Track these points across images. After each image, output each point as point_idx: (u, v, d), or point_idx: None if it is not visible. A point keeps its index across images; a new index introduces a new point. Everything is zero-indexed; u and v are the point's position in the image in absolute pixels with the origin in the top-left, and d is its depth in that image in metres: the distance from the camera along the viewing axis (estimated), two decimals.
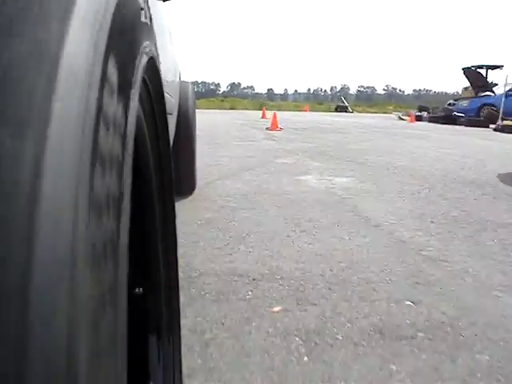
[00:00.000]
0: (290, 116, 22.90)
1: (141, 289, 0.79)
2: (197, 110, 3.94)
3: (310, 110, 36.87)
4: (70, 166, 0.30)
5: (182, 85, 3.49)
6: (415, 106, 35.01)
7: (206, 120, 14.04)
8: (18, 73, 0.30)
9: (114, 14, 0.39)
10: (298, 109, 39.69)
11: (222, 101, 43.15)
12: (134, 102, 0.45)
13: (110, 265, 0.34)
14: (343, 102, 40.95)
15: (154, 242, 0.81)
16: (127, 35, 0.45)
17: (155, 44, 0.70)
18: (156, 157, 0.77)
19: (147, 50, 0.57)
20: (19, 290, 0.26)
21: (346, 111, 36.50)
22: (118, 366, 0.36)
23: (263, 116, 19.20)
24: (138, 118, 0.61)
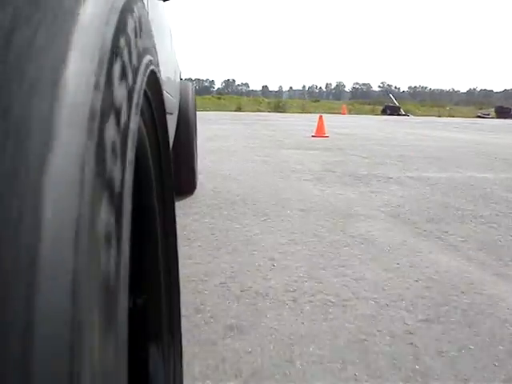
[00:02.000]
0: (361, 130, 12.49)
1: (141, 298, 0.79)
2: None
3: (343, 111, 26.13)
4: (72, 188, 0.29)
5: (183, 84, 3.51)
6: (408, 102, 33.16)
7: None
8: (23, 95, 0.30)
9: (116, 31, 0.39)
10: (328, 110, 28.01)
11: (219, 98, 33.41)
12: (136, 114, 0.45)
13: (113, 272, 0.34)
14: (393, 102, 29.48)
15: (154, 244, 0.80)
16: (129, 52, 0.44)
17: (157, 58, 0.69)
18: (156, 157, 0.76)
19: (149, 64, 0.57)
20: (25, 294, 0.26)
21: (398, 114, 25.98)
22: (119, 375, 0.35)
23: (319, 132, 9.48)
24: (140, 129, 0.61)
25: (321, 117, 10.03)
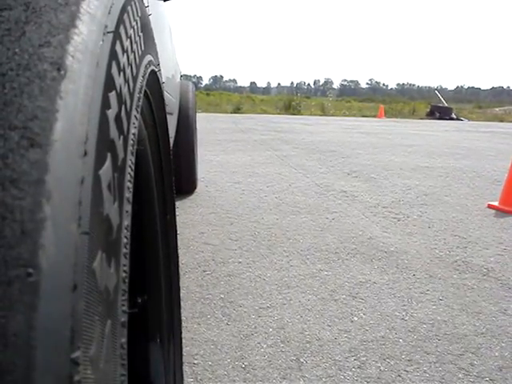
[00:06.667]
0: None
1: (142, 297, 0.79)
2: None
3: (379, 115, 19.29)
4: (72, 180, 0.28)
5: (183, 84, 3.48)
6: (402, 100, 30.15)
7: None
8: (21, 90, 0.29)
9: (116, 32, 0.38)
10: (352, 111, 21.41)
11: (208, 94, 27.46)
12: (136, 113, 0.45)
13: (113, 270, 0.34)
14: (442, 102, 22.11)
15: (155, 243, 0.80)
16: (129, 50, 0.43)
17: (157, 56, 0.69)
18: (157, 158, 0.77)
19: (150, 64, 0.57)
20: (27, 289, 0.25)
21: (450, 117, 19.22)
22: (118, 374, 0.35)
23: None
24: (140, 131, 0.62)
25: None
